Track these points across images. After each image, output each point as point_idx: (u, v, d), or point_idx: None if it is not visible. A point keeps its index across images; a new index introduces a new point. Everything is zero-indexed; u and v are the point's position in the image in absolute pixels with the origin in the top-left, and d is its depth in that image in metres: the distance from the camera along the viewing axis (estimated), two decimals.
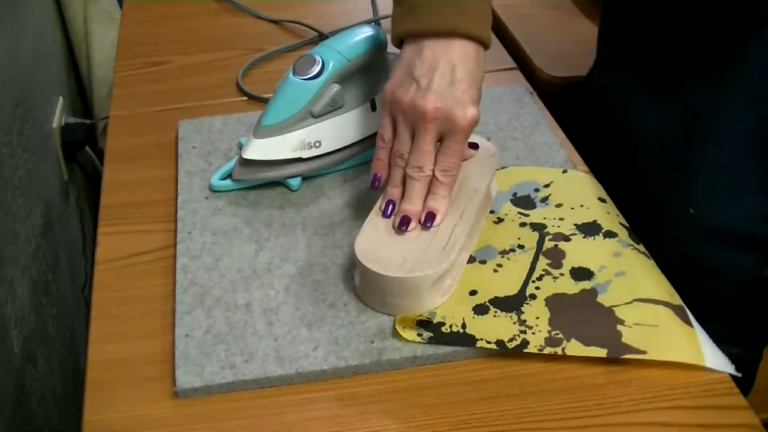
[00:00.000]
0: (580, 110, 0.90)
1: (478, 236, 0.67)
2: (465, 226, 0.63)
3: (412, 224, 0.62)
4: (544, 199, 0.71)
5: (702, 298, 0.62)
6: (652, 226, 0.71)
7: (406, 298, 0.60)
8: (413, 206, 0.63)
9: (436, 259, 0.60)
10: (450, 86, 0.62)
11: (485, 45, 0.65)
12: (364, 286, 0.62)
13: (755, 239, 0.75)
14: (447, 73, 0.63)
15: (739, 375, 0.57)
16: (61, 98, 1.34)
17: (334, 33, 0.93)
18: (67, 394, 1.12)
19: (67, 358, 1.16)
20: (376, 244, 0.61)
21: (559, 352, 0.57)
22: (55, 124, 1.28)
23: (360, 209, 0.72)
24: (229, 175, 0.75)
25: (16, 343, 0.92)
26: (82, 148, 1.36)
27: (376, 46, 0.74)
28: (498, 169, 0.75)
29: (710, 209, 0.75)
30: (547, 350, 0.57)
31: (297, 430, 0.54)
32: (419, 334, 0.59)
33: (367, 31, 0.75)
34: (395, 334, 0.59)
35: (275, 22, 1.07)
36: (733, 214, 0.74)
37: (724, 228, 0.75)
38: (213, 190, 0.75)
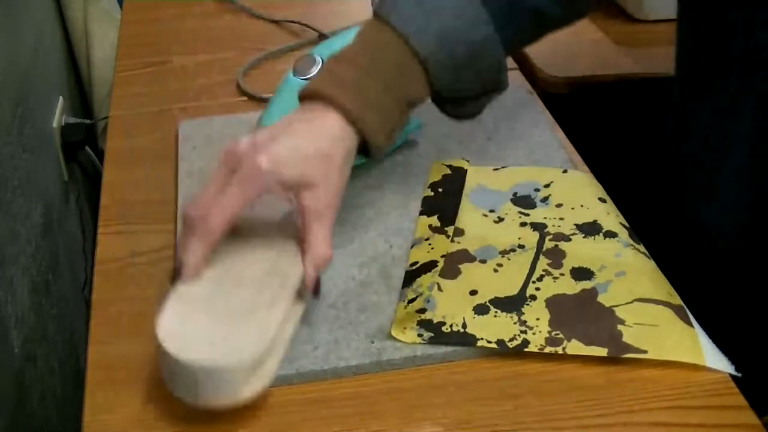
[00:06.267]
0: (583, 113, 0.90)
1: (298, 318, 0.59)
2: (278, 311, 0.56)
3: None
4: (545, 199, 0.71)
5: (698, 307, 0.62)
6: (654, 232, 0.71)
7: (218, 388, 0.52)
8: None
9: (251, 340, 0.53)
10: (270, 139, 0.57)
11: (358, 127, 0.60)
12: (171, 376, 0.54)
13: (752, 256, 0.75)
14: (278, 126, 0.59)
15: (739, 375, 0.57)
16: (61, 98, 1.34)
17: (334, 33, 0.93)
18: (67, 394, 1.12)
19: (67, 358, 1.16)
20: (184, 324, 0.54)
21: (560, 352, 0.57)
22: (55, 124, 1.28)
23: (359, 210, 0.72)
24: None
25: (16, 343, 0.92)
26: (82, 148, 1.36)
27: None
28: (498, 169, 0.75)
29: (723, 224, 0.75)
30: (548, 350, 0.57)
31: (297, 430, 0.54)
32: (419, 335, 0.59)
33: None
34: None
35: (275, 22, 1.07)
36: (741, 230, 0.74)
37: (730, 242, 0.75)
38: None
